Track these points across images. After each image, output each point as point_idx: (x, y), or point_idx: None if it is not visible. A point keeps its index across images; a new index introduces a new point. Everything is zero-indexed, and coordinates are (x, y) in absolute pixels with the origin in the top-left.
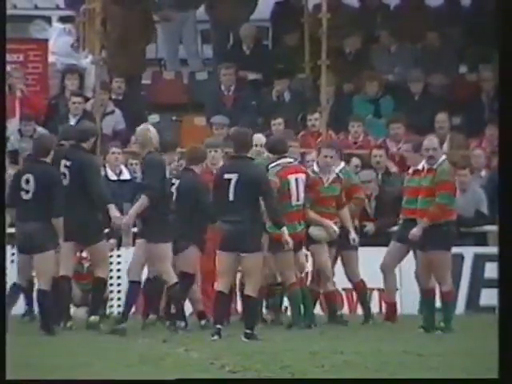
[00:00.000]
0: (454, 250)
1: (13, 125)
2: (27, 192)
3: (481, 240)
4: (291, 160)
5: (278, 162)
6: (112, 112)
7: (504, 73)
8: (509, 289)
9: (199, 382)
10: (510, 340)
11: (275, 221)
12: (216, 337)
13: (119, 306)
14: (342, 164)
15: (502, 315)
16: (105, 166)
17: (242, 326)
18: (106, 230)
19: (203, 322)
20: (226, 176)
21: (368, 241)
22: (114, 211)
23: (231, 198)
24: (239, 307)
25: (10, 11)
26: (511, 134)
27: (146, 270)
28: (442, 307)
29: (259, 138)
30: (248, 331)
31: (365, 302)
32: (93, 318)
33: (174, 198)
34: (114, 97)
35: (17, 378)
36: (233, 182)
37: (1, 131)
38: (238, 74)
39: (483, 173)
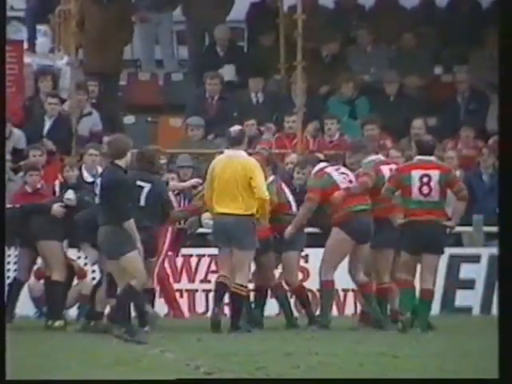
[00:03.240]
0: None
1: None
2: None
3: (456, 241)
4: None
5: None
6: (89, 113)
7: (504, 73)
8: (509, 289)
9: (199, 382)
10: (509, 340)
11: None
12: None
13: None
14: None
15: (502, 315)
16: (81, 168)
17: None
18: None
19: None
20: (140, 183)
21: None
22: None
23: (142, 203)
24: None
25: None
26: (511, 135)
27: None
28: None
29: None
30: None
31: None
32: (50, 322)
33: (97, 193)
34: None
35: (16, 379)
36: (145, 190)
37: (1, 131)
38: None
39: (457, 174)
